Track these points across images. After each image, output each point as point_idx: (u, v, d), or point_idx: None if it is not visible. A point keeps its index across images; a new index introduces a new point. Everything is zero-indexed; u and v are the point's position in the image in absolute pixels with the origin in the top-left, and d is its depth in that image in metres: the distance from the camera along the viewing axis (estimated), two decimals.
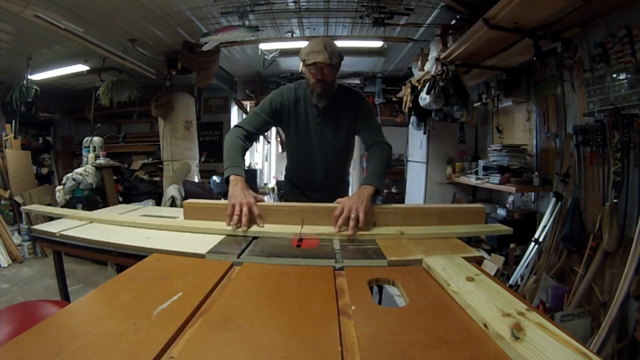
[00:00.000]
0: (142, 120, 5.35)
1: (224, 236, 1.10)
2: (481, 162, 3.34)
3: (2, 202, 4.11)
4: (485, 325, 0.60)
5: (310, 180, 1.63)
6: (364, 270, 0.87)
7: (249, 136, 1.44)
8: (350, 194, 1.77)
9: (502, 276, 2.79)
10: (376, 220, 1.18)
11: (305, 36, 3.57)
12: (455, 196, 3.94)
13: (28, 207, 1.67)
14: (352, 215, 1.10)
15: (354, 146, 1.73)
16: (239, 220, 1.11)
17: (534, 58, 2.34)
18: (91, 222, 1.25)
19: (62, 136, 5.68)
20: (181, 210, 1.30)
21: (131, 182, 4.61)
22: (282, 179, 6.22)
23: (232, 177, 1.24)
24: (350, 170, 1.90)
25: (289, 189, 1.74)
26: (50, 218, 1.37)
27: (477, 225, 1.20)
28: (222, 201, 1.28)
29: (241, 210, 1.12)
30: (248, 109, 5.64)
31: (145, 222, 1.20)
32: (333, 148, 1.56)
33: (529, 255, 2.61)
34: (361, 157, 5.67)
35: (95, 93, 4.34)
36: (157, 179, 4.85)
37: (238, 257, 0.96)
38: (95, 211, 1.51)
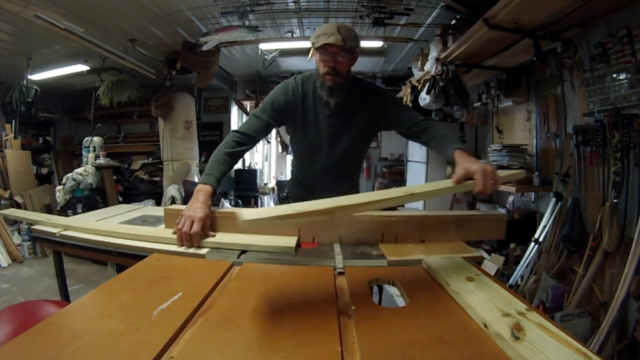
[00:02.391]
0: (142, 120, 5.35)
1: (208, 249, 0.99)
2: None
3: (2, 202, 4.11)
4: (485, 325, 0.61)
5: (319, 185, 1.48)
6: (364, 270, 0.87)
7: (245, 141, 1.27)
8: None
9: (502, 276, 2.79)
10: (384, 232, 1.06)
11: (305, 36, 3.58)
12: (455, 196, 3.94)
13: (4, 211, 1.63)
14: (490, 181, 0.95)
15: (369, 145, 1.55)
16: (185, 239, 0.99)
17: (534, 58, 2.34)
18: (66, 230, 1.16)
19: (62, 136, 5.68)
20: None
21: (131, 182, 4.61)
22: (282, 178, 6.25)
23: (198, 186, 1.12)
24: None
25: (296, 190, 1.58)
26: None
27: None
28: (218, 210, 1.16)
29: (183, 225, 1.00)
30: (248, 109, 5.64)
31: (121, 232, 1.10)
32: (346, 153, 1.37)
33: (529, 255, 2.61)
34: None
35: (95, 93, 4.35)
36: (157, 179, 4.85)
37: (238, 257, 0.96)
38: (73, 217, 1.44)
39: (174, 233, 1.03)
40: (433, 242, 1.06)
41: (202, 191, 1.09)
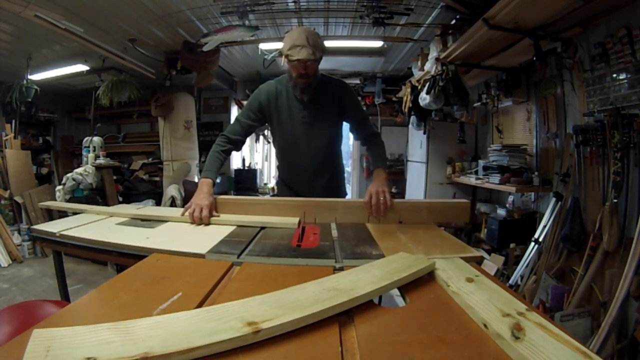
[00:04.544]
0: (142, 120, 5.34)
1: (234, 227, 1.24)
2: (481, 162, 3.34)
3: (2, 202, 4.11)
4: (485, 326, 0.60)
5: (302, 179, 1.64)
6: None
7: (233, 142, 1.53)
8: (342, 177, 1.84)
9: (502, 276, 2.79)
10: (369, 214, 1.34)
11: None
12: (455, 196, 3.94)
13: (47, 203, 1.72)
14: (381, 199, 1.29)
15: (342, 132, 1.73)
16: (193, 219, 1.28)
17: (534, 58, 2.34)
18: (111, 216, 1.37)
19: (62, 136, 5.68)
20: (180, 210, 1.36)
21: (131, 182, 4.61)
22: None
23: (200, 180, 1.41)
24: (350, 169, 1.94)
25: (282, 190, 1.77)
26: (50, 217, 1.40)
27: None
28: (242, 197, 1.45)
29: (194, 211, 1.29)
30: None
31: (161, 215, 1.35)
32: (322, 140, 1.56)
33: (529, 255, 2.61)
34: (361, 157, 5.68)
35: (95, 93, 4.34)
36: (157, 179, 4.85)
37: (238, 257, 0.96)
38: (114, 206, 1.62)
39: (182, 215, 1.30)
40: (433, 242, 1.07)
41: (205, 183, 1.37)
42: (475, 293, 0.70)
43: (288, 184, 1.71)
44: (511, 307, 0.64)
